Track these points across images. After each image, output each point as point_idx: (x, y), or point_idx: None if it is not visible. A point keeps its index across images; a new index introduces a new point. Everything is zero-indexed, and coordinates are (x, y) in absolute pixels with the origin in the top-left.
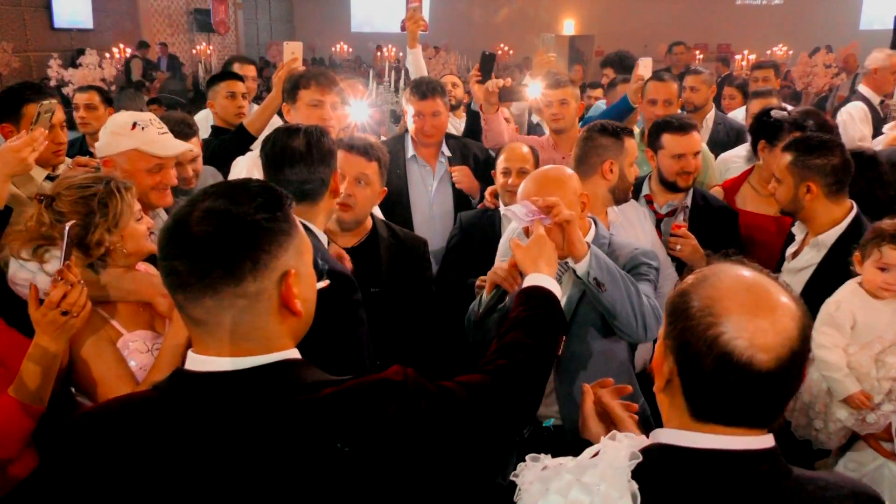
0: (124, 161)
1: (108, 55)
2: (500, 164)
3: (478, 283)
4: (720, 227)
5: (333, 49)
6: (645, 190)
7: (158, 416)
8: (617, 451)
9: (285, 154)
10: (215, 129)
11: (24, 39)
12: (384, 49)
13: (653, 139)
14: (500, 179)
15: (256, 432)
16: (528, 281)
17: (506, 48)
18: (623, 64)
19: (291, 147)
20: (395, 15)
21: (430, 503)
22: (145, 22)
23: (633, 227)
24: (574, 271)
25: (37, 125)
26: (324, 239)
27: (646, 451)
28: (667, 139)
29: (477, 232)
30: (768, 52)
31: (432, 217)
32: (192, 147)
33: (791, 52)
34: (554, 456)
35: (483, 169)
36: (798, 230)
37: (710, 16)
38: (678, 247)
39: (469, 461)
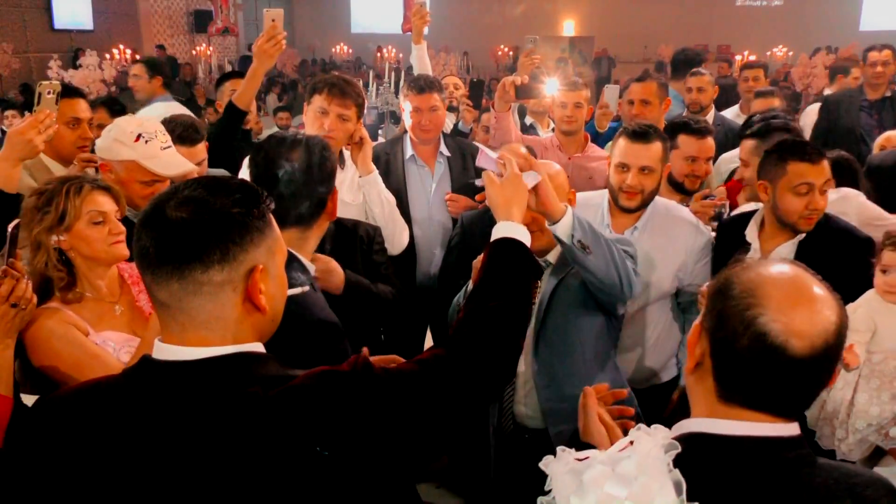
0: (121, 169)
1: (108, 56)
2: None
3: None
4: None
5: (333, 50)
6: None
7: (120, 404)
8: (652, 442)
9: (280, 169)
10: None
11: (24, 40)
12: (384, 50)
13: (669, 138)
14: None
15: (203, 425)
16: (498, 231)
17: (506, 49)
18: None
19: (288, 161)
20: (395, 16)
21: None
22: (145, 23)
23: (670, 243)
24: (555, 238)
25: (40, 106)
26: (311, 269)
27: (677, 441)
28: (683, 140)
29: (478, 232)
30: (768, 52)
31: (431, 218)
32: (195, 169)
33: (791, 53)
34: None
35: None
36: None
37: (710, 17)
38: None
39: (430, 434)
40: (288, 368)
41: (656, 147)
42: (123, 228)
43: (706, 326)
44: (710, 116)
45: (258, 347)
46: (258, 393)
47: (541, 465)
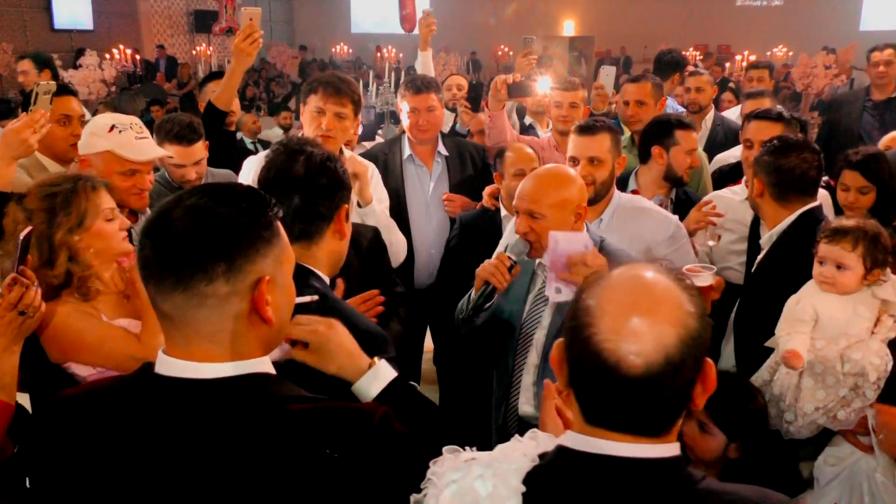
0: (99, 162)
1: (108, 56)
2: (511, 165)
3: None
4: None
5: (334, 50)
6: (631, 185)
7: (126, 421)
8: (519, 451)
9: (281, 180)
10: None
11: (24, 40)
12: (384, 50)
13: (664, 136)
14: (510, 182)
15: (217, 445)
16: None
17: (506, 49)
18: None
19: (290, 172)
20: (395, 16)
21: None
22: (145, 23)
23: (635, 234)
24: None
25: (36, 106)
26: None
27: (547, 453)
28: (681, 135)
29: (476, 232)
30: (768, 53)
31: (429, 218)
32: (169, 153)
33: (791, 53)
34: None
35: (481, 168)
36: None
37: (710, 17)
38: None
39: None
40: (301, 390)
41: (603, 138)
42: (129, 222)
43: (563, 346)
44: (709, 116)
45: (267, 365)
46: (280, 407)
47: (430, 462)
